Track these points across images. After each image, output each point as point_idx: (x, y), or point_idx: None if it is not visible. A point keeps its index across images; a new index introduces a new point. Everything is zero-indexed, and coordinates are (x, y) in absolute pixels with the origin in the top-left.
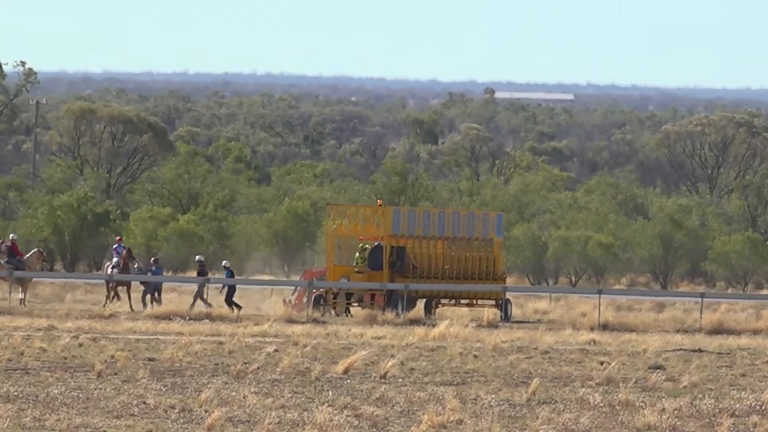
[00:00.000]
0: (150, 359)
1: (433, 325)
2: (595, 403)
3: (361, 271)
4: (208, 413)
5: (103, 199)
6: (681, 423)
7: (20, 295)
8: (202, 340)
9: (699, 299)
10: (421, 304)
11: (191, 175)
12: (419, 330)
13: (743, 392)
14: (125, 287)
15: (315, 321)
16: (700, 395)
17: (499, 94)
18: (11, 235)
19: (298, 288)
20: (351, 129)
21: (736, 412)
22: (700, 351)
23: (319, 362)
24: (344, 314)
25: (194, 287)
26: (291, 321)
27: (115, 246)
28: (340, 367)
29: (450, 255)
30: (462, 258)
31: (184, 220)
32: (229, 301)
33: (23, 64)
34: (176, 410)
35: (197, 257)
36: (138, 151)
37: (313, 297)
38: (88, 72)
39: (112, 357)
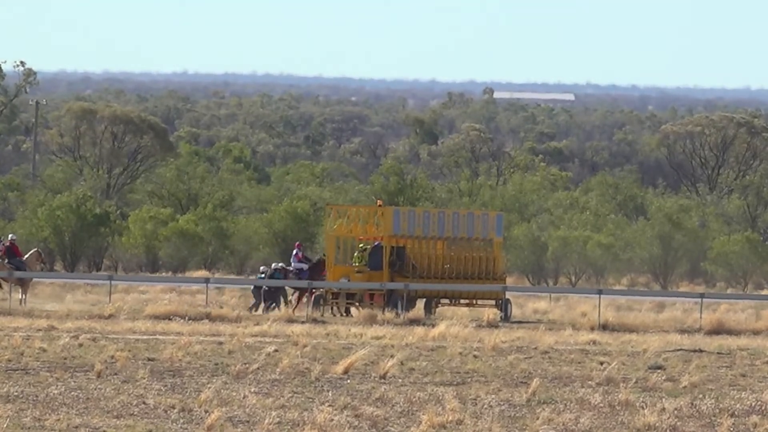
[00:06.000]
0: (150, 359)
1: (433, 325)
2: (595, 403)
3: (361, 271)
4: (208, 413)
5: (103, 199)
6: (681, 423)
7: (20, 296)
8: (202, 340)
9: (699, 299)
10: (420, 304)
11: (190, 176)
12: (419, 330)
13: (743, 392)
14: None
15: (315, 321)
16: (700, 395)
17: (498, 94)
18: (10, 236)
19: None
20: (351, 129)
21: (736, 413)
22: (700, 351)
23: (319, 362)
24: (344, 314)
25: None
26: (291, 321)
27: (295, 251)
28: (340, 367)
29: (450, 255)
30: (462, 258)
31: (184, 220)
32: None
33: (23, 64)
34: (176, 410)
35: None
36: (138, 151)
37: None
38: (88, 72)
39: (112, 357)
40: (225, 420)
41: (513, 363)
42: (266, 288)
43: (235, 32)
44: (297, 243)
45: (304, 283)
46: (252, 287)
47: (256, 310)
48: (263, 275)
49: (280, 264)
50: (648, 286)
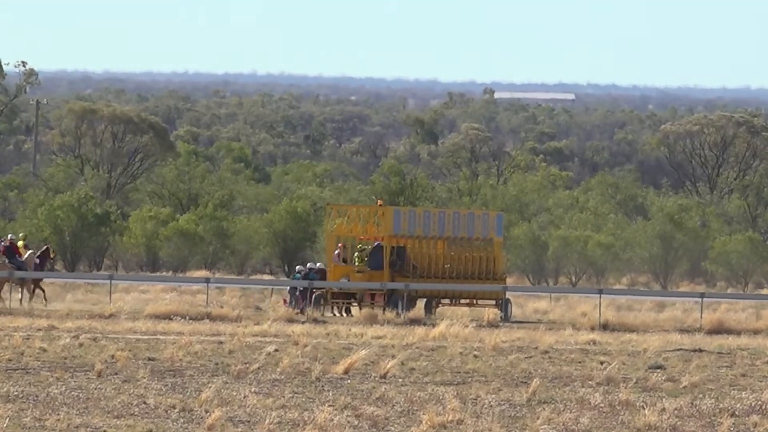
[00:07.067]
0: (150, 359)
1: (434, 325)
2: (596, 403)
3: (361, 270)
4: (208, 413)
5: (104, 199)
6: (681, 423)
7: (20, 296)
8: (203, 339)
9: (699, 299)
10: (421, 303)
11: (191, 175)
12: (419, 330)
13: (743, 392)
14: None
15: (315, 321)
16: (701, 395)
17: (499, 94)
18: (9, 236)
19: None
20: (351, 129)
21: (737, 412)
22: (700, 351)
23: (319, 362)
24: (345, 314)
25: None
26: (291, 321)
27: (337, 251)
28: (340, 367)
29: (450, 255)
30: (462, 258)
31: (184, 220)
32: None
33: (24, 64)
34: (176, 410)
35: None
36: (139, 151)
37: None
38: (88, 72)
39: (113, 357)
40: (225, 420)
41: (513, 363)
42: (301, 288)
43: (235, 32)
44: (340, 244)
45: (304, 283)
46: (288, 288)
47: (298, 311)
48: (299, 275)
49: (318, 264)
50: (648, 285)
